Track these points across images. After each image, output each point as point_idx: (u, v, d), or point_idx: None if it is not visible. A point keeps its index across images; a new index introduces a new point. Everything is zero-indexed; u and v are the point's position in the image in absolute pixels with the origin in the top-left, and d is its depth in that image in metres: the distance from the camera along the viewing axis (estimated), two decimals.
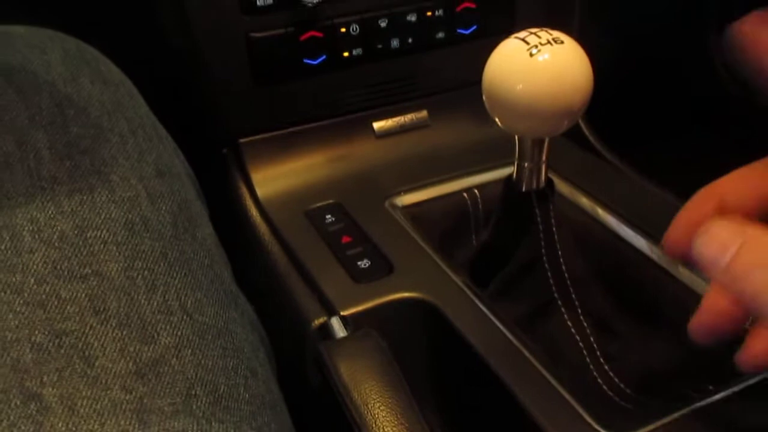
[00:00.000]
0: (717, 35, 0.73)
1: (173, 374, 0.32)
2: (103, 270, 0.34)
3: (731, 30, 0.31)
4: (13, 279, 0.32)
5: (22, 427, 0.29)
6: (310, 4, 0.56)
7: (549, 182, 0.48)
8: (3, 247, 0.33)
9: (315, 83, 0.60)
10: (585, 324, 0.48)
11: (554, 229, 0.47)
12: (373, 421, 0.38)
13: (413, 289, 0.48)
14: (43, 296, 0.32)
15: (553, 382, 0.41)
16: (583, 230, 0.54)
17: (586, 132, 0.64)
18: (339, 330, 0.45)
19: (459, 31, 0.63)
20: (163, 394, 0.31)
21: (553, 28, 0.43)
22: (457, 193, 0.59)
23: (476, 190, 0.59)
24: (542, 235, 0.47)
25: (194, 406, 0.32)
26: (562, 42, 0.41)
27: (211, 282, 0.38)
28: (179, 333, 0.34)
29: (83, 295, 0.33)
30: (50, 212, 0.34)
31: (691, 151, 0.73)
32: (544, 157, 0.46)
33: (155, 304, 0.34)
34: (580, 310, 0.48)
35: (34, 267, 0.33)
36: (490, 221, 0.52)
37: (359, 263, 0.50)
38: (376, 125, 0.64)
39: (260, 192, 0.59)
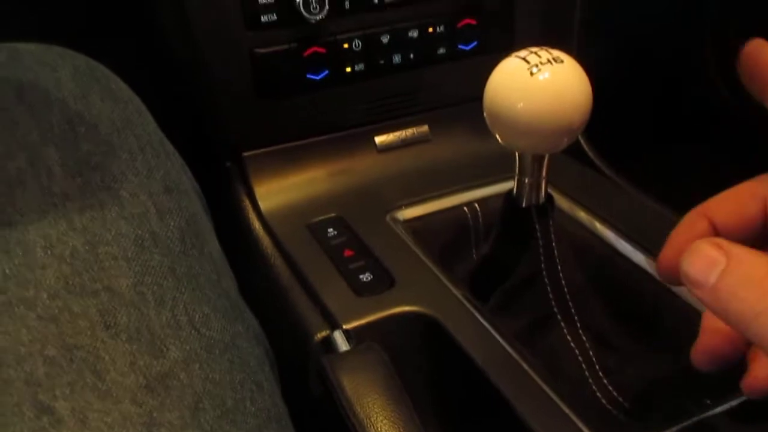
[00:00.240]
0: (712, 48, 0.74)
1: (182, 388, 0.33)
2: (113, 285, 0.34)
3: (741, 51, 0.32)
4: (27, 294, 0.33)
5: None
6: (313, 21, 0.56)
7: (549, 197, 0.48)
8: (16, 263, 0.34)
9: (318, 98, 0.61)
10: (584, 338, 0.48)
11: (554, 244, 0.48)
12: None
13: (415, 303, 0.48)
14: (56, 311, 0.33)
15: (553, 396, 0.41)
16: (582, 245, 0.55)
17: (585, 147, 0.65)
18: (342, 343, 0.45)
19: (460, 46, 0.64)
20: (172, 407, 0.32)
21: (552, 44, 0.43)
22: (458, 207, 0.60)
23: (476, 204, 0.60)
24: (542, 250, 0.48)
25: (202, 420, 0.33)
26: (562, 61, 0.42)
27: (218, 296, 0.38)
28: (187, 347, 0.34)
29: (94, 310, 0.33)
30: (62, 228, 0.35)
31: (688, 161, 0.74)
32: (544, 173, 0.47)
33: (164, 318, 0.35)
34: (579, 324, 0.48)
35: (47, 282, 0.33)
36: (490, 235, 0.53)
37: (361, 277, 0.51)
38: (378, 139, 0.64)
39: (263, 205, 0.59)
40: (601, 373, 0.47)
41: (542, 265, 0.48)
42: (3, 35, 0.44)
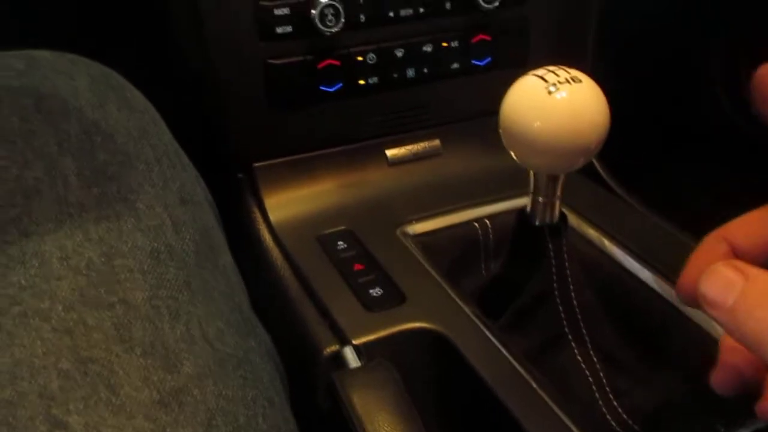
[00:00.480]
0: (721, 69, 0.74)
1: (195, 404, 0.33)
2: (128, 298, 0.34)
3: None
4: (42, 305, 0.32)
5: None
6: (328, 33, 0.56)
7: (562, 217, 0.48)
8: (32, 273, 0.33)
9: (330, 110, 0.61)
10: (595, 359, 0.48)
11: (566, 263, 0.48)
12: None
13: (425, 320, 0.48)
14: (71, 323, 0.32)
15: (562, 416, 0.41)
16: (594, 264, 0.54)
17: (598, 166, 0.65)
18: (352, 360, 0.45)
19: (474, 62, 0.64)
20: (186, 423, 0.32)
21: (566, 61, 0.43)
22: (468, 223, 0.59)
23: (487, 221, 0.60)
24: (554, 269, 0.48)
25: None
26: (580, 81, 0.42)
27: (231, 311, 0.38)
28: (201, 362, 0.34)
29: (109, 323, 0.33)
30: (78, 239, 0.35)
31: (698, 181, 0.74)
32: (558, 192, 0.47)
33: (178, 332, 0.34)
34: (590, 345, 0.48)
35: (62, 294, 0.33)
36: (500, 251, 0.52)
37: (371, 291, 0.51)
38: (389, 153, 0.64)
39: (273, 216, 0.59)
40: (611, 395, 0.47)
41: (554, 285, 0.48)
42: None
